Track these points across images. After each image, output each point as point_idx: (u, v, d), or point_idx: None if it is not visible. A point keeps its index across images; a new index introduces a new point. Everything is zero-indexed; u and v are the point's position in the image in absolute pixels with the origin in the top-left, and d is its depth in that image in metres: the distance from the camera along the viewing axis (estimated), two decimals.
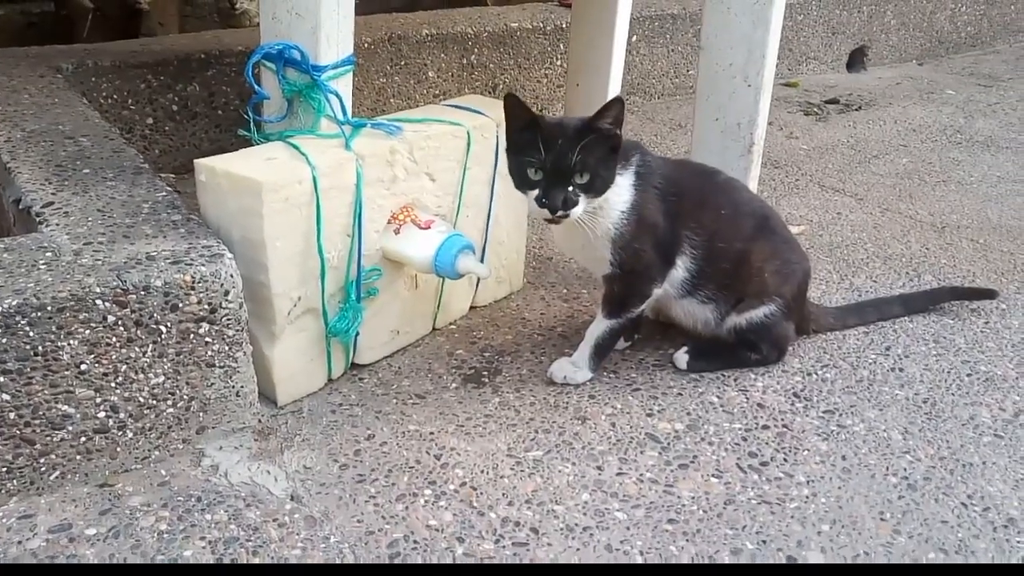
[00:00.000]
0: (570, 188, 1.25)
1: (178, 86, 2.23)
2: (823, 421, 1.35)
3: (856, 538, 1.11)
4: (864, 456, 1.27)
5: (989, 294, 1.68)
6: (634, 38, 2.99)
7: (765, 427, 1.33)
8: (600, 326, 1.42)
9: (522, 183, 1.29)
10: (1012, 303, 1.72)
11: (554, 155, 1.24)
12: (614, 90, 2.31)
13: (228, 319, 1.17)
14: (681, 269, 1.40)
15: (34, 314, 1.02)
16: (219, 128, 2.31)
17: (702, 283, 1.41)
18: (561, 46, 2.88)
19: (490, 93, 2.79)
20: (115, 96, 2.15)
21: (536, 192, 1.26)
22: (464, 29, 2.71)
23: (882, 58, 3.79)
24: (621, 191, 1.32)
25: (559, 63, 2.90)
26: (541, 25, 2.85)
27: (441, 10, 2.95)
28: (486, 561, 1.06)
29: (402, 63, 2.61)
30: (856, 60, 3.73)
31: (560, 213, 1.25)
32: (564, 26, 2.84)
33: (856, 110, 3.15)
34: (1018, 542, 1.11)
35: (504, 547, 1.09)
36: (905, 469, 1.24)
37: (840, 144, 2.76)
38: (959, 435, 1.32)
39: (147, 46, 2.34)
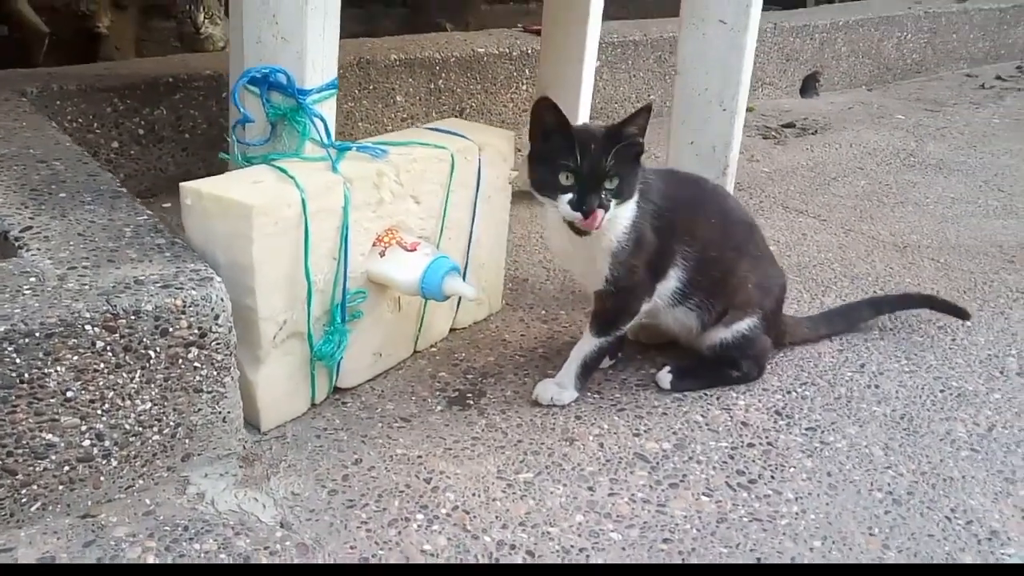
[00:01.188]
0: (603, 193, 1.26)
1: (145, 110, 2.20)
2: (806, 438, 1.37)
3: (847, 553, 1.13)
4: (849, 472, 1.29)
5: (962, 314, 1.72)
6: (597, 63, 3.04)
7: (751, 445, 1.35)
8: (588, 345, 1.43)
9: (552, 189, 1.28)
10: (976, 321, 1.78)
11: (589, 160, 1.25)
12: (584, 114, 2.34)
13: (217, 343, 1.15)
14: (673, 280, 1.42)
15: (22, 340, 0.99)
16: (186, 152, 2.28)
17: (692, 292, 1.44)
18: (527, 71, 2.91)
19: (458, 116, 2.81)
20: (80, 120, 2.11)
21: (570, 196, 1.26)
22: (431, 54, 2.72)
23: (833, 84, 3.91)
24: (629, 204, 1.33)
25: (525, 88, 2.93)
26: (507, 51, 2.87)
27: (408, 35, 2.96)
28: None
29: (370, 87, 2.61)
30: (809, 85, 3.84)
31: (595, 220, 1.26)
32: (530, 52, 2.87)
33: (812, 134, 3.24)
34: (1003, 554, 1.14)
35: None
36: (889, 484, 1.27)
37: (800, 167, 2.84)
38: (938, 450, 1.35)
39: (113, 70, 2.31)
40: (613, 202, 1.27)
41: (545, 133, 1.29)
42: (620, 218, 1.32)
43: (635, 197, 1.33)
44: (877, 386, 1.53)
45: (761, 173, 2.75)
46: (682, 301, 1.44)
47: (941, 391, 1.52)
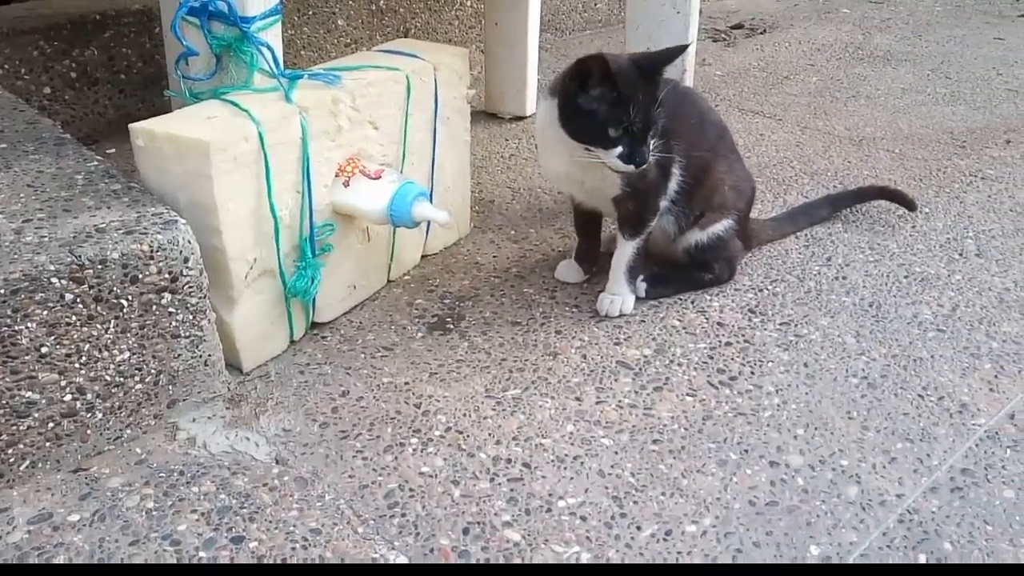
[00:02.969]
0: (651, 141, 1.26)
1: (74, 51, 2.09)
2: (781, 333, 1.40)
3: (829, 438, 1.17)
4: (824, 361, 1.33)
5: (910, 205, 1.76)
6: None
7: (728, 344, 1.38)
8: (627, 250, 1.43)
9: (599, 141, 1.26)
10: (933, 207, 1.82)
11: (641, 115, 1.23)
12: (534, 27, 2.29)
13: (190, 287, 1.13)
14: (674, 180, 1.42)
15: None
16: (123, 93, 2.19)
17: (680, 196, 1.44)
18: None
19: (403, 38, 2.73)
20: (6, 66, 2.00)
21: (620, 150, 1.25)
22: None
23: None
24: None
25: (469, 3, 2.85)
26: None
27: None
28: (484, 499, 1.07)
29: (310, 13, 2.51)
30: None
31: (646, 166, 1.27)
32: None
33: (761, 33, 3.22)
34: (974, 424, 1.20)
35: (500, 484, 1.10)
36: (863, 370, 1.31)
37: (751, 67, 2.83)
38: (906, 333, 1.40)
39: (34, 10, 2.18)
40: (652, 141, 1.27)
41: (585, 83, 1.25)
42: None
43: None
44: (844, 277, 1.56)
45: (714, 76, 2.74)
46: (673, 203, 1.45)
47: (905, 277, 1.56)
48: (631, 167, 1.26)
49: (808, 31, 3.22)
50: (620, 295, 1.45)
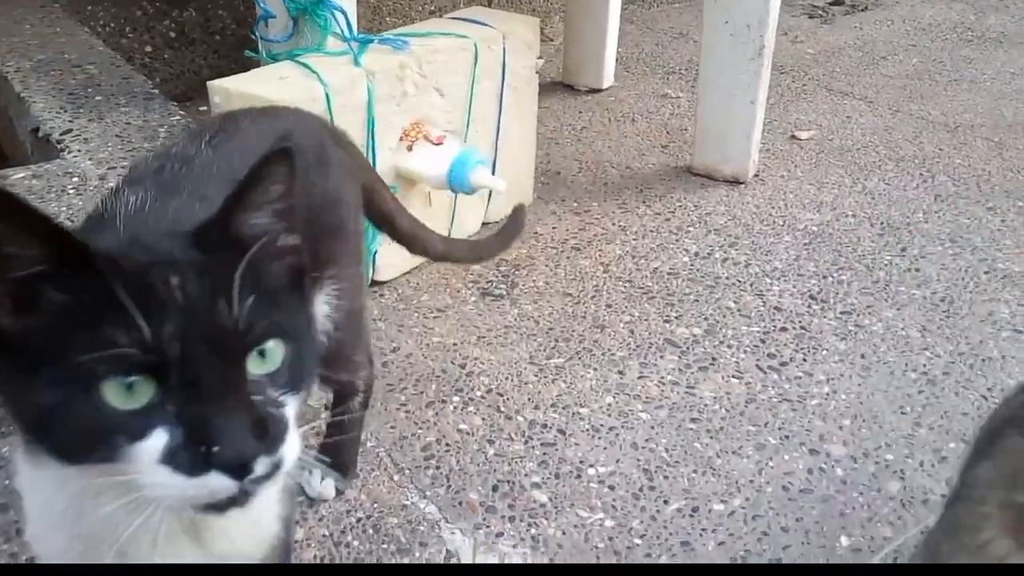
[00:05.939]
0: (253, 392, 0.51)
1: (174, 12, 2.19)
2: (841, 322, 1.36)
3: (877, 431, 1.14)
4: (883, 354, 1.29)
5: None
6: None
7: (783, 329, 1.35)
8: None
9: (98, 435, 0.48)
10: None
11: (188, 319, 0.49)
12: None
13: None
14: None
15: None
16: (217, 54, 2.28)
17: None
18: None
19: (485, 4, 2.73)
20: (112, 24, 2.11)
21: (165, 442, 0.48)
22: None
23: None
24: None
25: None
26: None
27: None
28: (516, 459, 1.09)
29: None
30: None
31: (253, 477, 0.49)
32: None
33: (863, 11, 3.09)
34: None
35: (533, 447, 1.12)
36: (924, 365, 1.27)
37: (847, 46, 2.72)
38: (978, 331, 1.34)
39: None
40: (290, 400, 0.53)
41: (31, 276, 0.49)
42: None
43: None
44: (917, 269, 1.50)
45: (805, 54, 2.64)
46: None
47: (986, 272, 1.49)
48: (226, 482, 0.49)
49: (915, 9, 3.06)
50: None
